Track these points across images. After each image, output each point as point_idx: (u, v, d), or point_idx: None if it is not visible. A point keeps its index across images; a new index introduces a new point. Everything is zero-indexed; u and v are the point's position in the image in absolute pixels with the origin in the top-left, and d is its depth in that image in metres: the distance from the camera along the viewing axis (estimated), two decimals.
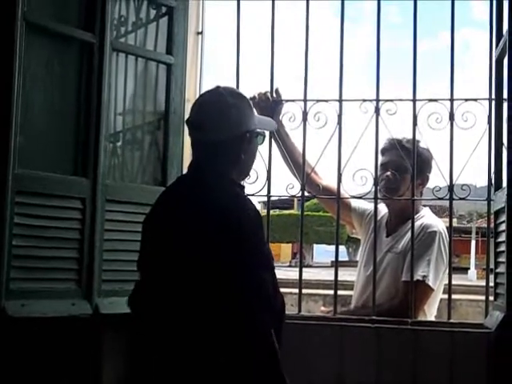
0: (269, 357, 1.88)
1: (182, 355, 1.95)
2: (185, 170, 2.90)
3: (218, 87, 2.12)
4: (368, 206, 3.17)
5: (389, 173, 2.99)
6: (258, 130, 2.15)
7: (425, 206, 3.15)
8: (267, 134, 2.39)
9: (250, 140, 2.12)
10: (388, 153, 3.04)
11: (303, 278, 2.97)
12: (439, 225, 2.98)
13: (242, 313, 1.88)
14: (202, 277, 1.91)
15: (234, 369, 1.88)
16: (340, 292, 2.95)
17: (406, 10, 2.94)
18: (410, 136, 2.89)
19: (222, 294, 1.89)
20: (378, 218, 3.00)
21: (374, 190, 2.89)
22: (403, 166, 2.94)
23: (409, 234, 2.87)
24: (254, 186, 2.86)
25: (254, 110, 2.18)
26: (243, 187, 2.18)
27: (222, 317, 1.89)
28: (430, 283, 2.86)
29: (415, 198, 2.89)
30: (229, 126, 2.06)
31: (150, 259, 2.07)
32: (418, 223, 2.91)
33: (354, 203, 3.20)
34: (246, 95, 2.17)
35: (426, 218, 3.01)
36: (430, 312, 2.99)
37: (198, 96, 3.09)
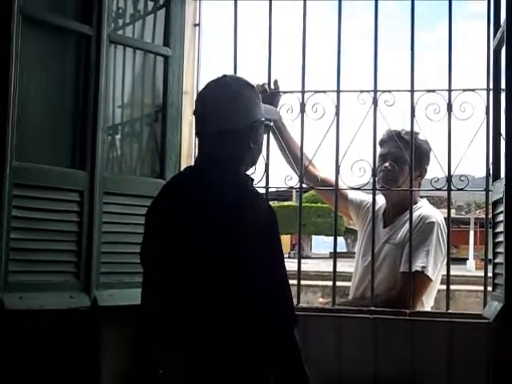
0: (294, 353, 1.88)
1: (189, 349, 1.92)
2: (183, 162, 2.91)
3: (224, 76, 2.04)
4: (365, 197, 3.17)
5: (387, 164, 2.99)
6: (265, 120, 2.07)
7: (422, 197, 3.14)
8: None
9: (258, 129, 2.04)
10: (386, 144, 3.04)
11: (302, 269, 2.98)
12: (437, 215, 2.98)
13: (253, 308, 1.85)
14: (209, 270, 1.88)
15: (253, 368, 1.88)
16: (338, 283, 2.94)
17: (404, 1, 2.93)
18: (409, 127, 2.89)
19: (231, 288, 1.87)
20: (376, 209, 2.99)
21: (372, 181, 2.89)
22: (402, 157, 2.94)
23: (407, 225, 2.87)
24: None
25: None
26: (252, 180, 2.10)
27: (233, 312, 1.87)
28: (429, 274, 2.86)
29: (413, 188, 2.89)
30: (237, 116, 1.98)
31: (154, 252, 2.01)
32: (416, 214, 2.91)
33: (351, 194, 3.20)
34: (253, 84, 2.07)
35: (424, 208, 3.01)
36: (428, 303, 2.99)
37: (195, 88, 3.11)
